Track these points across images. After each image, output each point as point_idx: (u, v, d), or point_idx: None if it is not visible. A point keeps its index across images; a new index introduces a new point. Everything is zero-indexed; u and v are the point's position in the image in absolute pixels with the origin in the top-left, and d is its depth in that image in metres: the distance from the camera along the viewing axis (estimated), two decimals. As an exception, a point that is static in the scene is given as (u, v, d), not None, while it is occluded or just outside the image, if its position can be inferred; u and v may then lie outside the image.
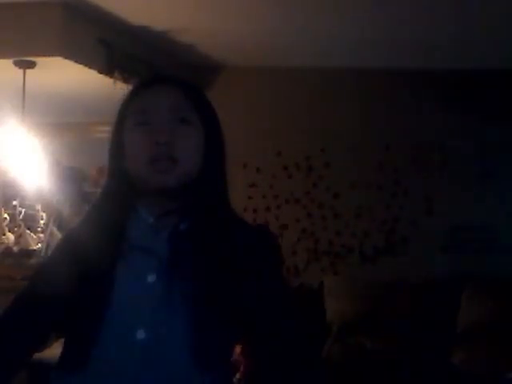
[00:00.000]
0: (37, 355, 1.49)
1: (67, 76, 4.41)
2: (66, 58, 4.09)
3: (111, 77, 4.28)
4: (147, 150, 1.39)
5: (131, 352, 1.33)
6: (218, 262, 1.38)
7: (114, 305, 1.35)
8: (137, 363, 1.32)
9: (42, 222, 4.92)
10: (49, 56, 4.13)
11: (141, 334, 1.33)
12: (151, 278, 1.36)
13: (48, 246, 4.60)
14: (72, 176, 5.03)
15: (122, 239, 1.41)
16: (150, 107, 1.42)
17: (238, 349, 2.76)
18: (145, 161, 1.39)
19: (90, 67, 4.25)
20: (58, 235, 4.65)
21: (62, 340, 1.43)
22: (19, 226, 4.81)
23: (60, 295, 1.40)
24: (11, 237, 4.75)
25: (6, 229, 4.82)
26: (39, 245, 4.70)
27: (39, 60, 4.18)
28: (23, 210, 4.92)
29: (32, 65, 4.22)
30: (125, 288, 1.37)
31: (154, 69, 4.54)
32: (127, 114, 1.45)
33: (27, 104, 4.33)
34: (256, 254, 1.44)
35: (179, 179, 1.40)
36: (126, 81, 4.30)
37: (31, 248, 4.65)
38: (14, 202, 4.92)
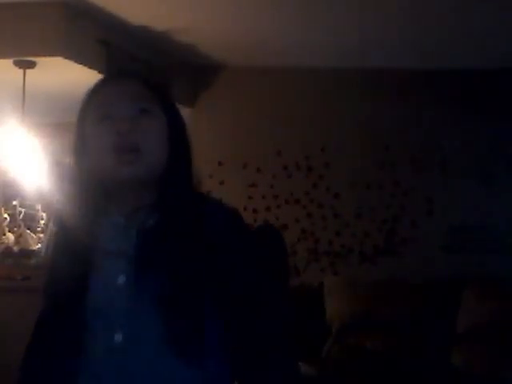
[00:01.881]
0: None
1: (67, 76, 4.41)
2: (66, 58, 4.09)
3: (111, 77, 4.28)
4: (110, 141, 1.37)
5: (112, 356, 1.34)
6: (186, 257, 1.36)
7: (90, 311, 1.35)
8: (119, 366, 1.33)
9: (42, 221, 4.92)
10: (49, 56, 4.13)
11: (118, 338, 1.33)
12: (121, 280, 1.36)
13: (48, 246, 4.59)
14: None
15: (95, 246, 1.40)
16: (111, 100, 1.41)
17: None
18: (109, 153, 1.37)
19: (90, 67, 4.25)
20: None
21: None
22: (19, 226, 4.81)
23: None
24: (11, 237, 4.75)
25: (6, 229, 4.82)
26: (39, 245, 4.70)
27: (39, 60, 4.18)
28: (23, 210, 4.92)
29: (32, 65, 4.22)
30: (98, 292, 1.36)
31: (153, 69, 4.54)
32: (88, 111, 1.44)
33: (27, 104, 4.33)
34: (228, 242, 1.42)
35: (146, 170, 1.38)
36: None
37: (31, 248, 4.65)
38: (14, 202, 4.92)
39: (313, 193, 5.28)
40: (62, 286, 1.39)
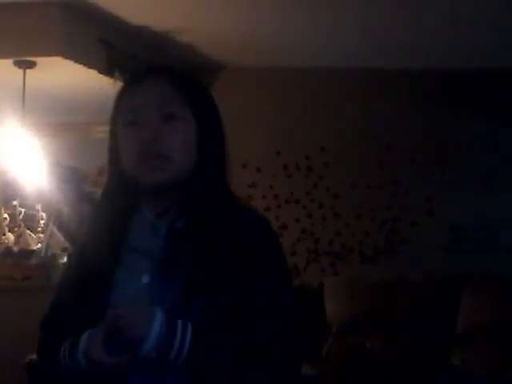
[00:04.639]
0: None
1: (67, 76, 4.41)
2: (66, 58, 4.10)
3: (111, 77, 4.29)
4: (135, 147, 1.38)
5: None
6: (213, 260, 1.35)
7: (113, 306, 1.33)
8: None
9: (41, 222, 4.92)
10: (49, 56, 4.13)
11: None
12: (145, 279, 1.36)
13: (48, 245, 4.60)
14: (72, 176, 5.03)
15: (123, 241, 1.41)
16: (138, 106, 1.40)
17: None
18: (135, 160, 1.38)
19: (90, 67, 4.26)
20: (58, 235, 4.65)
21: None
22: (19, 226, 4.81)
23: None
24: (11, 237, 4.75)
25: (6, 229, 4.82)
26: (39, 245, 4.70)
27: (39, 60, 4.18)
28: (23, 210, 4.92)
29: (32, 65, 4.22)
30: (122, 290, 1.36)
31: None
32: (118, 114, 1.44)
33: (27, 104, 4.33)
34: (255, 251, 1.41)
35: (171, 176, 1.38)
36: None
37: (31, 248, 4.65)
38: (14, 202, 4.91)
39: (313, 193, 5.28)
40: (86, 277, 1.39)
